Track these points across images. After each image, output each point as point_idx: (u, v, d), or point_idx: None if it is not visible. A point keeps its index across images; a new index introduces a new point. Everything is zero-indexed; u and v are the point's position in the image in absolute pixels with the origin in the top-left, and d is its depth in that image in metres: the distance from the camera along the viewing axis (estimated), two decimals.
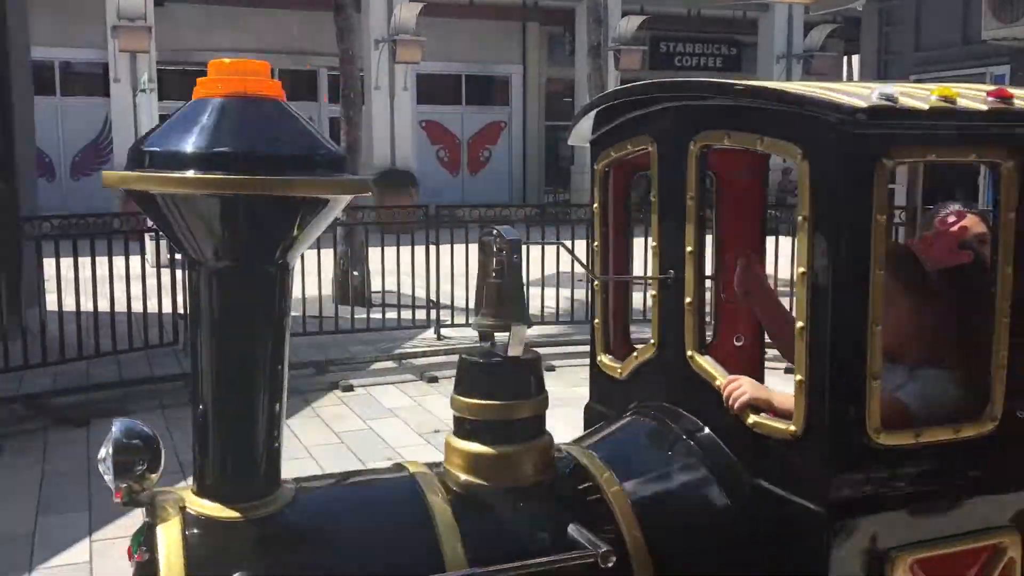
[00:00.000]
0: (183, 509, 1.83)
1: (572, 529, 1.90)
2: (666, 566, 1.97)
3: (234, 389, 1.82)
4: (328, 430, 6.12)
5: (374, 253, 9.49)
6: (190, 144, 1.64)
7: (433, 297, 8.64)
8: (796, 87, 1.95)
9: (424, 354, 8.04)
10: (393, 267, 8.61)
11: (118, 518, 4.33)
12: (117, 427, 1.77)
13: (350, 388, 7.05)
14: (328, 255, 8.81)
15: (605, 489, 2.05)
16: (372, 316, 9.04)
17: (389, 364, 7.79)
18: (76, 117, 19.28)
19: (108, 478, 1.76)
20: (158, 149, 1.67)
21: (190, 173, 1.61)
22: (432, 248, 8.49)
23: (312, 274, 8.09)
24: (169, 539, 1.78)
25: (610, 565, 1.82)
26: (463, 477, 1.97)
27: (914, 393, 2.08)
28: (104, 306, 7.13)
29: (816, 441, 1.88)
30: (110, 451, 1.74)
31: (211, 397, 1.82)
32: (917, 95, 1.86)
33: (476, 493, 1.96)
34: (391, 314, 8.64)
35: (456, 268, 8.58)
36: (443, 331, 8.66)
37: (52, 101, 18.47)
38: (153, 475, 1.78)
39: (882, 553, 1.89)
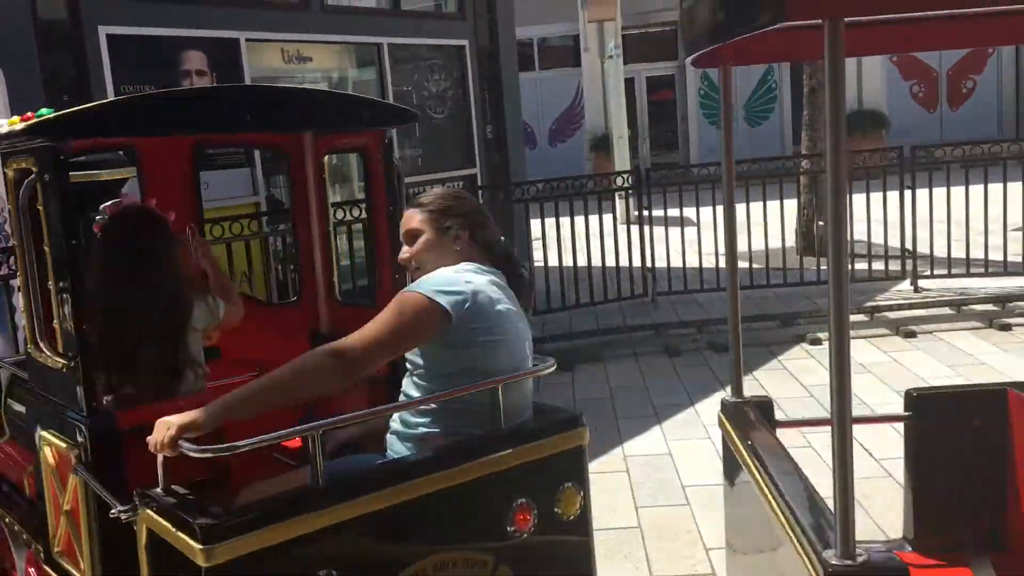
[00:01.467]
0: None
1: None
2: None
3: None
4: (796, 383, 6.04)
5: None
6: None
7: (909, 246, 8.02)
8: None
9: (899, 307, 7.53)
10: (862, 215, 8.14)
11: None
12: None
13: (818, 341, 6.86)
14: (791, 205, 8.59)
15: None
16: None
17: (860, 317, 7.40)
18: (552, 88, 21.04)
19: None
20: None
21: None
22: (907, 193, 7.86)
23: (775, 223, 7.98)
24: None
25: None
26: None
27: None
28: (582, 261, 7.77)
29: None
30: None
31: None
32: None
33: None
34: (861, 265, 8.18)
35: (936, 214, 7.87)
36: (921, 283, 8.01)
37: (532, 75, 20.36)
38: None
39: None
